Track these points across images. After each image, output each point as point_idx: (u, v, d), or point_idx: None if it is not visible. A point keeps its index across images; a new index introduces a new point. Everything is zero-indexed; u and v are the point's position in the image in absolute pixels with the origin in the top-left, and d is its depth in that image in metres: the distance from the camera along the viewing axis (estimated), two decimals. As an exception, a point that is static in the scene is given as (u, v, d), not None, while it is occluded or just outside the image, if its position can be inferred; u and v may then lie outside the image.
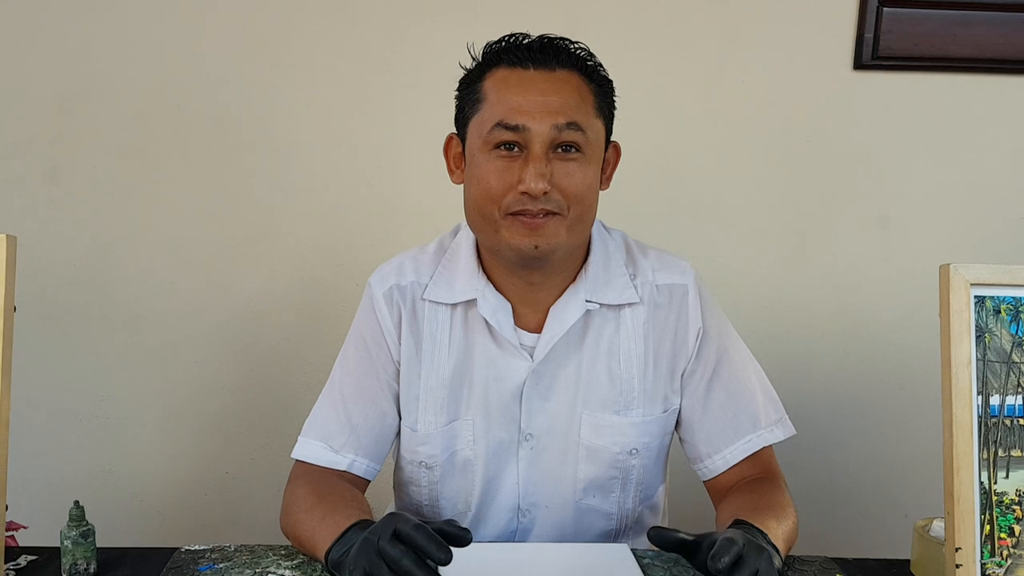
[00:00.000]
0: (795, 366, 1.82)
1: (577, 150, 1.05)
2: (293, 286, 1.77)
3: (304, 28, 1.68)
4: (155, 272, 1.74)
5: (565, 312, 1.12)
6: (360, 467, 1.15)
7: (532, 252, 1.05)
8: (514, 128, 1.03)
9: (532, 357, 1.13)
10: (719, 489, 1.17)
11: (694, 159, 1.76)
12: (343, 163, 1.73)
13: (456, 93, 1.13)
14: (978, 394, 0.96)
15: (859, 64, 1.71)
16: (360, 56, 1.70)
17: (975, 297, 0.97)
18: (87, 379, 1.77)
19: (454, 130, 1.15)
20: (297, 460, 1.16)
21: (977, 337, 0.97)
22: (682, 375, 1.17)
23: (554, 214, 1.04)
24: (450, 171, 1.15)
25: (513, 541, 1.19)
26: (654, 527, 0.91)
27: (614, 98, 1.13)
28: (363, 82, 1.71)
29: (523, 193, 1.02)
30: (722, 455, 1.16)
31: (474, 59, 1.11)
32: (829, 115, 1.74)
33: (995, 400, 0.97)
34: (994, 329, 0.97)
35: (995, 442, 0.97)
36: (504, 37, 1.09)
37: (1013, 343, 0.97)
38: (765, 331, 1.80)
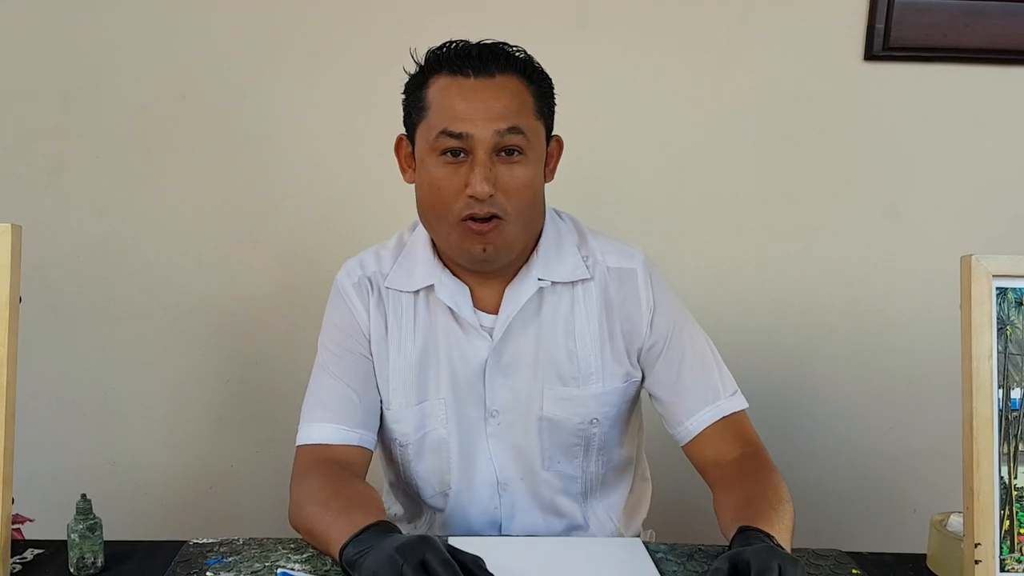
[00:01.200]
0: (804, 361, 1.81)
1: (519, 152, 1.09)
2: (297, 279, 1.75)
3: (310, 21, 1.67)
4: (159, 264, 1.73)
5: (519, 291, 1.17)
6: (368, 440, 1.18)
7: (482, 256, 1.10)
8: (458, 136, 1.07)
9: (492, 336, 1.17)
10: (699, 459, 1.19)
11: (703, 152, 1.74)
12: (347, 155, 1.72)
13: (403, 98, 1.17)
14: (999, 387, 0.95)
15: (870, 55, 1.70)
16: (365, 50, 1.68)
17: (997, 289, 0.95)
18: (91, 372, 1.76)
19: (403, 131, 1.19)
20: (301, 450, 1.15)
21: (998, 329, 0.95)
22: (639, 352, 1.21)
23: (499, 218, 1.09)
24: (402, 170, 1.20)
25: (498, 516, 1.22)
26: None
27: (553, 95, 1.17)
28: (368, 75, 1.69)
29: (470, 196, 1.07)
30: (686, 424, 1.19)
31: (417, 64, 1.14)
32: (840, 107, 1.72)
33: (1016, 394, 0.96)
34: (1016, 321, 0.96)
35: (1015, 436, 0.96)
36: (444, 44, 1.12)
37: (1034, 335, 0.96)
38: (774, 325, 1.79)
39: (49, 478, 1.74)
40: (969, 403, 0.95)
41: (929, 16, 1.68)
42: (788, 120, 1.73)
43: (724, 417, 1.18)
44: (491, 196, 1.07)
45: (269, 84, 1.69)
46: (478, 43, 1.11)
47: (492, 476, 1.21)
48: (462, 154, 1.08)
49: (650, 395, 1.24)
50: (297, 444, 1.16)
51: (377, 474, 1.27)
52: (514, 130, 1.08)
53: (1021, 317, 0.96)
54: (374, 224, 1.73)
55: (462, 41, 1.12)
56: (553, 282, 1.18)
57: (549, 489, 1.23)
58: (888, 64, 1.71)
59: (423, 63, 1.14)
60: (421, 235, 1.21)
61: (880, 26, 1.68)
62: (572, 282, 1.19)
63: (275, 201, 1.73)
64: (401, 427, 1.20)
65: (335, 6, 1.67)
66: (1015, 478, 0.95)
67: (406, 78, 1.66)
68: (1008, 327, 0.96)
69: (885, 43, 1.69)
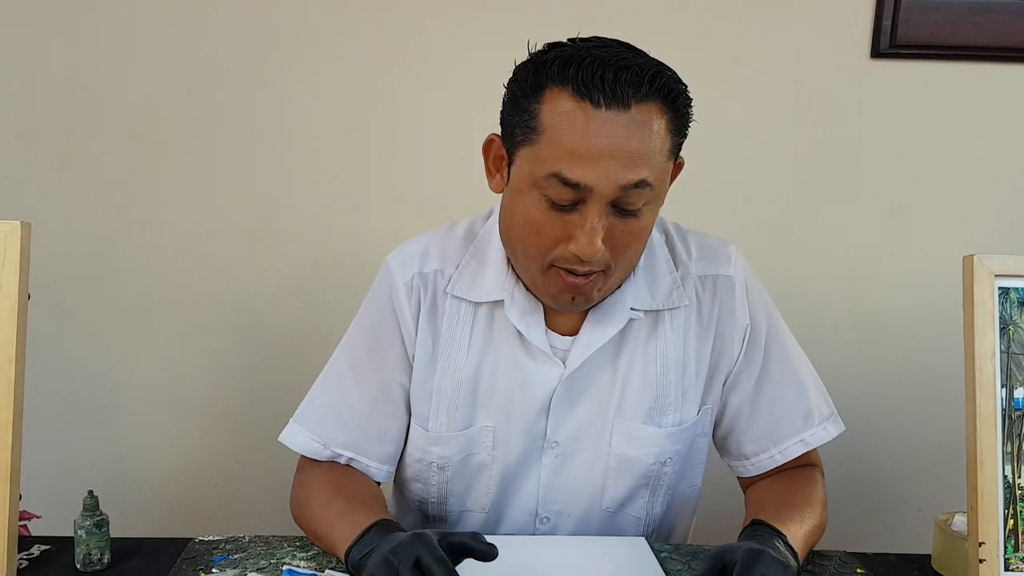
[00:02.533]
0: (808, 359, 1.81)
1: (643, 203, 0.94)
2: (302, 275, 1.76)
3: (315, 17, 1.67)
4: (165, 261, 1.73)
5: (607, 321, 1.03)
6: (359, 467, 1.10)
7: (568, 304, 0.99)
8: (574, 186, 0.89)
9: (564, 363, 1.05)
10: (753, 480, 1.14)
11: (707, 148, 1.73)
12: (352, 152, 1.72)
13: (506, 95, 0.97)
14: (1002, 387, 0.95)
15: (877, 52, 1.69)
16: (371, 46, 1.68)
17: (999, 288, 0.96)
18: (97, 368, 1.76)
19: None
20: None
21: (1001, 329, 0.95)
22: (726, 377, 1.11)
23: (601, 271, 0.96)
24: (488, 173, 1.02)
25: None
26: None
27: (690, 119, 0.98)
28: (373, 72, 1.69)
29: (574, 254, 0.92)
30: (770, 454, 1.11)
31: (533, 60, 0.94)
32: (846, 104, 1.71)
33: (1019, 393, 0.96)
34: (1018, 321, 0.96)
35: (1019, 435, 0.96)
36: (573, 51, 0.90)
37: (1038, 335, 0.96)
38: (778, 323, 1.79)
39: (55, 475, 1.75)
40: (972, 403, 0.95)
41: (936, 13, 1.67)
42: (793, 118, 1.72)
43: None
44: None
45: (274, 81, 1.69)
46: (615, 60, 0.88)
47: (534, 506, 1.11)
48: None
49: (717, 423, 1.13)
50: (279, 439, 1.12)
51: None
52: (642, 184, 0.90)
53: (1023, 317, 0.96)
54: (378, 222, 1.73)
55: (596, 51, 0.90)
56: (646, 312, 1.05)
57: (598, 531, 1.12)
58: (895, 62, 1.70)
59: (540, 63, 0.92)
60: (496, 235, 1.06)
61: (887, 23, 1.67)
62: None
63: (280, 198, 1.73)
64: (442, 451, 1.09)
65: (338, 4, 1.67)
66: (1019, 477, 0.95)
67: (411, 75, 1.68)
68: (1011, 327, 0.96)
69: (892, 41, 1.68)
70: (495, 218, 1.08)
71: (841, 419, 1.16)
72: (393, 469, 1.14)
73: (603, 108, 0.88)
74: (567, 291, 0.96)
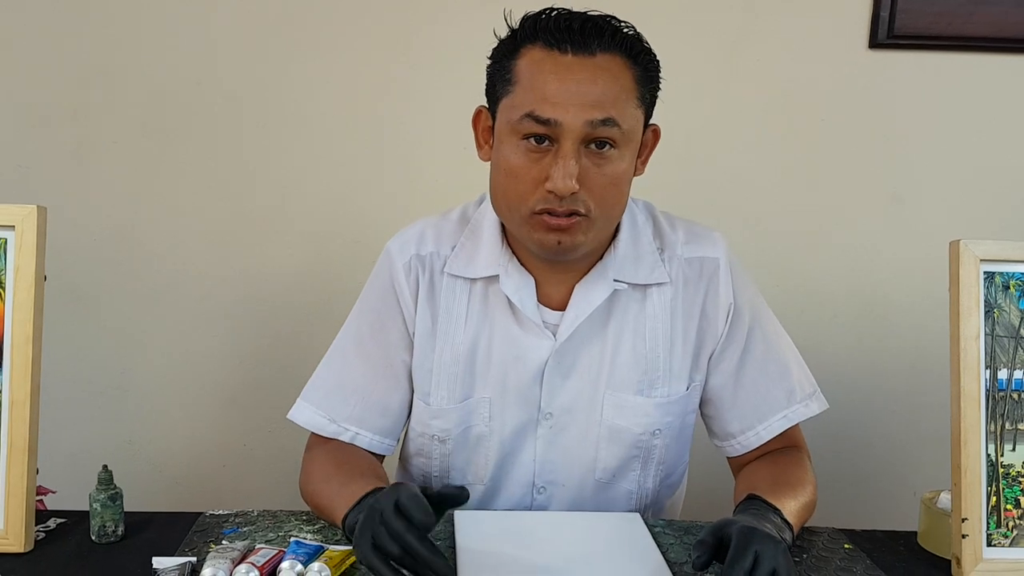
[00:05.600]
0: (808, 345, 1.79)
1: (611, 146, 0.99)
2: (311, 262, 1.79)
3: (325, 7, 1.69)
4: (175, 248, 1.77)
5: (592, 292, 1.09)
6: (364, 441, 1.14)
7: (555, 248, 1.01)
8: (545, 122, 0.96)
9: (555, 336, 1.10)
10: (742, 462, 1.17)
11: (707, 138, 1.76)
12: (361, 140, 1.75)
13: (488, 64, 1.05)
14: (986, 368, 0.98)
15: (874, 43, 1.71)
16: (379, 35, 1.71)
17: (984, 273, 0.98)
18: (109, 352, 1.80)
19: (483, 103, 1.09)
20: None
21: (986, 312, 0.98)
22: (711, 354, 1.14)
23: (580, 214, 0.99)
24: (478, 145, 1.09)
25: None
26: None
27: (659, 79, 1.04)
28: (381, 61, 1.72)
29: (550, 191, 0.97)
30: (755, 431, 1.14)
31: (510, 27, 1.03)
32: (844, 94, 1.74)
33: (1003, 374, 0.99)
34: (1003, 304, 0.99)
35: (1002, 415, 0.99)
36: (544, 10, 1.00)
37: (1021, 318, 0.99)
38: (778, 310, 1.78)
39: (68, 457, 1.78)
40: (957, 383, 0.98)
41: (934, 4, 1.69)
42: (792, 108, 1.74)
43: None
44: (573, 193, 0.96)
45: (284, 69, 1.72)
46: (581, 14, 0.99)
47: (530, 477, 1.15)
48: (546, 141, 0.97)
49: (703, 402, 1.17)
50: (288, 417, 1.16)
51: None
52: (609, 122, 0.96)
53: (1008, 300, 0.99)
54: (388, 209, 1.76)
55: (564, 10, 0.99)
56: (628, 284, 1.10)
57: (595, 502, 1.16)
58: (893, 52, 1.72)
59: (516, 28, 1.02)
60: (489, 215, 1.12)
61: (884, 14, 1.69)
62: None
63: (289, 187, 1.76)
64: (442, 423, 1.14)
65: (349, -6, 1.69)
66: (1001, 456, 0.98)
67: (419, 63, 1.71)
68: (995, 310, 0.98)
69: (890, 31, 1.70)
70: (487, 202, 1.13)
71: (825, 398, 1.18)
72: (395, 443, 1.17)
73: (570, 54, 0.97)
74: (552, 232, 1.00)
